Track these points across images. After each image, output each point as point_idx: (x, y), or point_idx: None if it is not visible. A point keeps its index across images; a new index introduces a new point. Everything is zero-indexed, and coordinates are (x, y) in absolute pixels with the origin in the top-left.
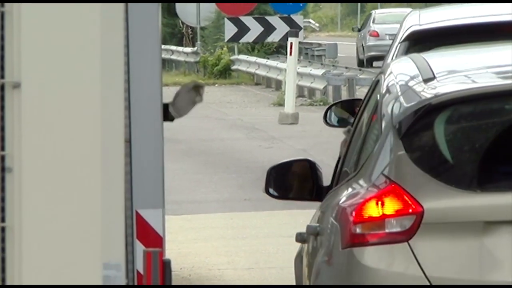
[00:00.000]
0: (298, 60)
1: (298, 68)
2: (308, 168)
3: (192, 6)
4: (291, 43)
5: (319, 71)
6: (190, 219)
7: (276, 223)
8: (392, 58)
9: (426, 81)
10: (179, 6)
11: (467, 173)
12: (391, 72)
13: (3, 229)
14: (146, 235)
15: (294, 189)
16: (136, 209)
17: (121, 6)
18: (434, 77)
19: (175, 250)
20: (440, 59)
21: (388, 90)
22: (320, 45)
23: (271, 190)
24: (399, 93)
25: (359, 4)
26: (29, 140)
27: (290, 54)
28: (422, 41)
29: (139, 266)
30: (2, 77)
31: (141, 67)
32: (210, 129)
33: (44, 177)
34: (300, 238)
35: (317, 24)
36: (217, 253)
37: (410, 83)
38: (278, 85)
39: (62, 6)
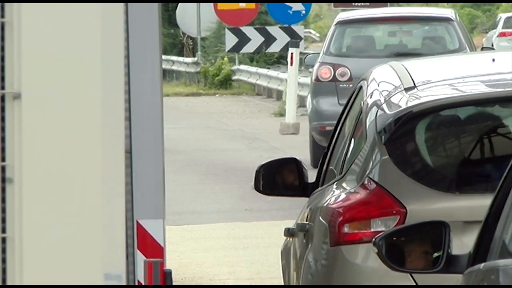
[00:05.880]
0: (299, 70)
1: (299, 78)
2: (294, 166)
3: (193, 16)
4: (292, 53)
5: None
6: (191, 229)
7: (277, 233)
8: (331, 38)
9: (407, 89)
10: (179, 17)
11: (447, 176)
12: (373, 80)
13: (4, 239)
14: (147, 245)
15: (282, 186)
16: (137, 220)
17: (121, 18)
18: (414, 86)
19: (176, 261)
20: (419, 68)
21: (371, 98)
22: None
23: (260, 187)
24: (382, 101)
25: None
26: (29, 150)
27: (291, 64)
28: (343, 25)
29: (140, 276)
30: (3, 88)
31: (141, 77)
32: (211, 139)
33: (44, 188)
34: (289, 233)
35: (317, 35)
36: (218, 264)
37: (392, 92)
38: (279, 95)
39: (62, 17)
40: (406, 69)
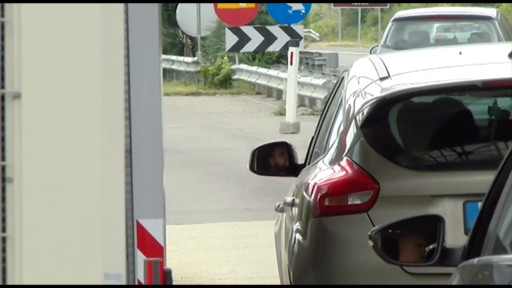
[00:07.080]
0: (298, 69)
1: (299, 78)
2: (286, 149)
3: (193, 16)
4: (292, 53)
5: (320, 81)
6: (191, 229)
7: None
8: (388, 33)
9: (382, 79)
10: (179, 16)
11: (415, 156)
12: (353, 71)
13: (4, 239)
14: (147, 245)
15: (274, 167)
16: (137, 219)
17: (121, 18)
18: (388, 76)
19: (176, 260)
20: (394, 60)
21: (351, 86)
22: (320, 54)
23: (254, 168)
24: (360, 89)
25: (359, 14)
26: (29, 150)
27: (291, 63)
28: (400, 21)
29: (140, 276)
30: (3, 87)
31: (141, 77)
32: (210, 139)
33: (44, 187)
34: (279, 208)
35: (317, 34)
36: (218, 263)
37: (369, 81)
38: (279, 94)
39: (62, 17)
40: (382, 61)
